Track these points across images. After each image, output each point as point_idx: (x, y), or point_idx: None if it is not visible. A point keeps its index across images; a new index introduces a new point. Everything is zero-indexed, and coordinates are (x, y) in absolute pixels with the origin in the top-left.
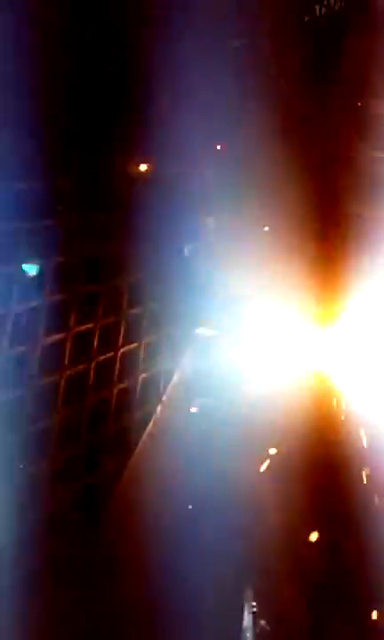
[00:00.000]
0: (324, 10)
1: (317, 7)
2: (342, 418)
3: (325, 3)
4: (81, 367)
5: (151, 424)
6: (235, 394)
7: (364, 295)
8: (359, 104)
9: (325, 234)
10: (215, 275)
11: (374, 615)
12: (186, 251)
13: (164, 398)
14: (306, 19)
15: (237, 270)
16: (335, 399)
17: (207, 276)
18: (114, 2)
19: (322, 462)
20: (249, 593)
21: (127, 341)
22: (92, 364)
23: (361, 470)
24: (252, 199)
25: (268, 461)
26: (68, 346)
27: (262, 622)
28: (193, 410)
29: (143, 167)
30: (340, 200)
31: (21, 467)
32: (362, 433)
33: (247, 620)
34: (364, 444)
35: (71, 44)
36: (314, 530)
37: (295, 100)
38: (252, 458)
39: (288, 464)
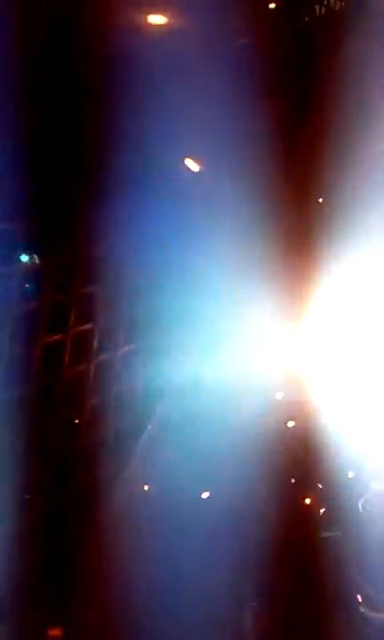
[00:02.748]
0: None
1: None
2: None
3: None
4: (80, 368)
5: (150, 424)
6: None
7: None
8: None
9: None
10: (209, 276)
11: None
12: (181, 252)
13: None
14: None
15: (230, 271)
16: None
17: (202, 278)
18: None
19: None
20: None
21: (126, 342)
22: (92, 365)
23: None
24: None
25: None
26: (67, 346)
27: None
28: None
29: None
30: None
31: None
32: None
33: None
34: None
35: None
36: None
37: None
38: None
39: (287, 466)
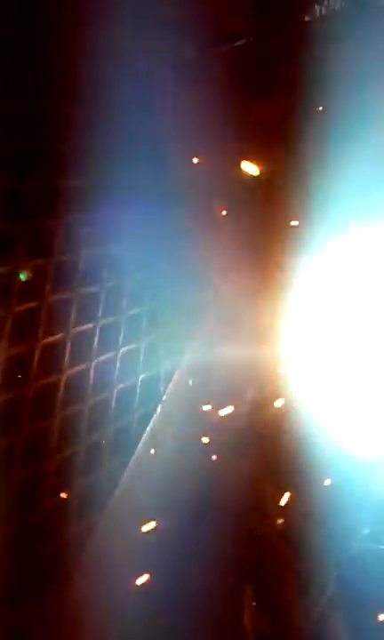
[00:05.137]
0: None
1: None
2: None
3: None
4: (80, 367)
5: (151, 424)
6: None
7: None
8: None
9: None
10: (210, 274)
11: None
12: (183, 249)
13: (164, 398)
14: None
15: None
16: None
17: (203, 275)
18: None
19: None
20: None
21: (127, 341)
22: (92, 365)
23: None
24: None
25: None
26: (67, 346)
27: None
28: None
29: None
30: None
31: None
32: None
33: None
34: None
35: None
36: None
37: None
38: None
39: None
